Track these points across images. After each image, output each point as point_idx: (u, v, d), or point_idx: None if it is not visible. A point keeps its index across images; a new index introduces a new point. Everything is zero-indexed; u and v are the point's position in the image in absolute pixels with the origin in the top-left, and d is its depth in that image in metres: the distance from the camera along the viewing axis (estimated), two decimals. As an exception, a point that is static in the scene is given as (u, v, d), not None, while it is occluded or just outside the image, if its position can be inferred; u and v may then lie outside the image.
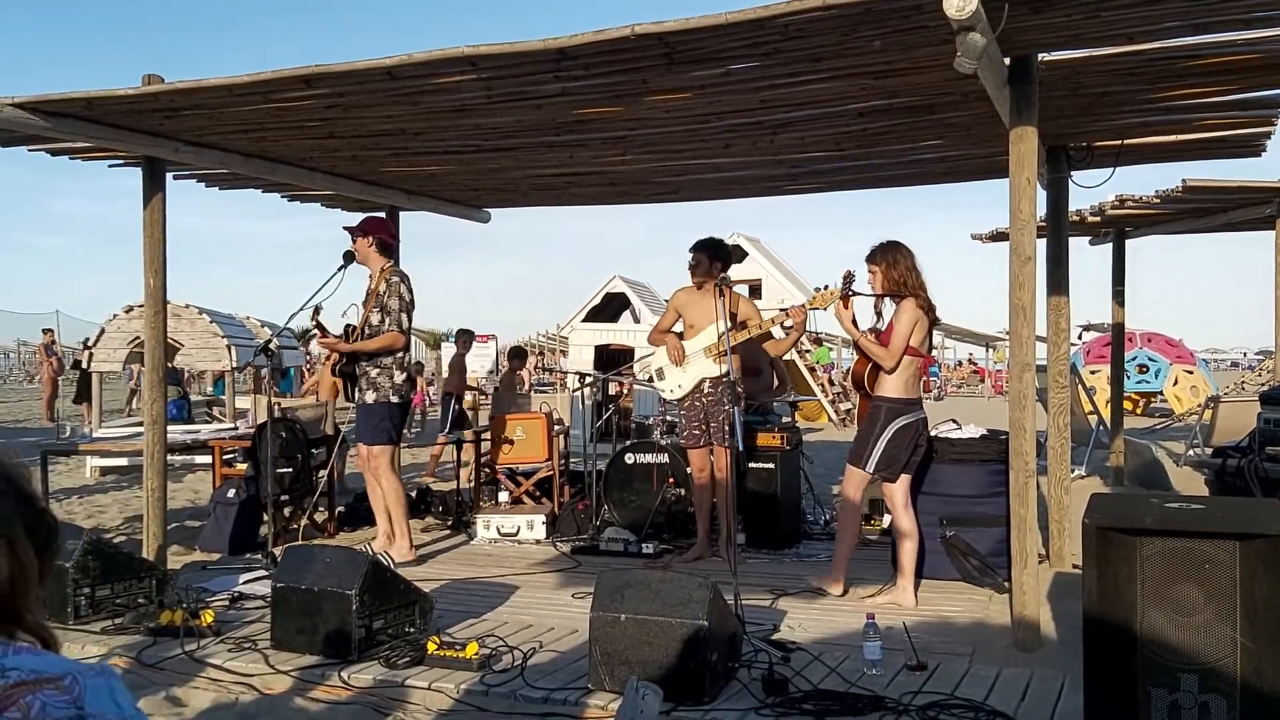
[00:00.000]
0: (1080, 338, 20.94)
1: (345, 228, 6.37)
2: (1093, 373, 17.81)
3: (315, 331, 6.41)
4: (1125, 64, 4.68)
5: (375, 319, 6.21)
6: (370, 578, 4.33)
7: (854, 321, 5.24)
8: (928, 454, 5.39)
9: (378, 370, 6.19)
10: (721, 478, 6.11)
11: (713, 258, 6.18)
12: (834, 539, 6.84)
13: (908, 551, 5.18)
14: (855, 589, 5.41)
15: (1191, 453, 8.98)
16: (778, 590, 5.43)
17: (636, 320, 20.44)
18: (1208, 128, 5.87)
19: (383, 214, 7.59)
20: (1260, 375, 21.48)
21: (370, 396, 6.20)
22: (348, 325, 6.36)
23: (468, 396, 11.78)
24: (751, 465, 6.50)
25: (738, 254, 24.75)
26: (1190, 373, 20.24)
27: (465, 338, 12.39)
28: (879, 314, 5.30)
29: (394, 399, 6.22)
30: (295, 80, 4.75)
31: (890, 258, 5.13)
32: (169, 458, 6.48)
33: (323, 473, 7.64)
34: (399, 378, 6.24)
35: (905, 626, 4.54)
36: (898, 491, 5.20)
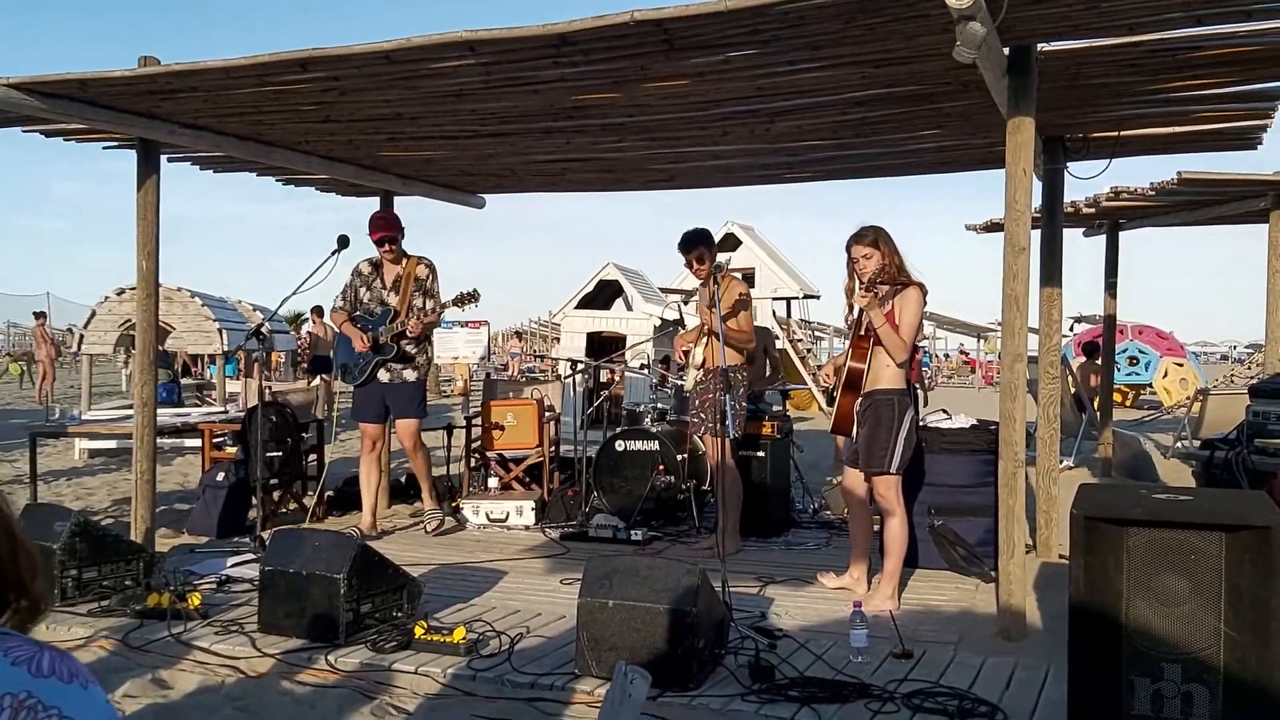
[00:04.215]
0: (1071, 329, 21.00)
1: (383, 235, 6.54)
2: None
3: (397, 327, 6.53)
4: (1125, 55, 4.67)
5: (419, 302, 6.57)
6: (358, 562, 4.33)
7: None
8: (917, 446, 5.36)
9: (416, 350, 6.61)
10: (712, 465, 6.15)
11: (710, 247, 6.13)
12: (823, 528, 6.90)
13: (895, 552, 4.95)
14: (839, 577, 5.42)
15: (1180, 445, 9.01)
16: (766, 578, 5.44)
17: (629, 307, 20.44)
18: (1204, 120, 5.87)
19: (388, 208, 7.86)
20: (1249, 368, 21.58)
21: (411, 375, 6.62)
22: (392, 311, 6.55)
23: (459, 382, 11.79)
24: (741, 453, 6.50)
25: (731, 242, 24.79)
26: (1180, 365, 20.34)
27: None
28: (865, 291, 4.90)
29: (426, 375, 6.84)
30: (292, 63, 4.72)
31: (891, 243, 4.92)
32: (158, 441, 6.46)
33: (312, 457, 7.64)
34: (428, 355, 6.83)
35: (892, 615, 4.56)
36: (894, 485, 4.93)
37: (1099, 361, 11.27)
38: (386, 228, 6.59)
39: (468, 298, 6.64)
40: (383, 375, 6.57)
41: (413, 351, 6.59)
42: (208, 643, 4.29)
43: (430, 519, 6.80)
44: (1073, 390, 10.85)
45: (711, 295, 5.77)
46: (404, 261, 6.62)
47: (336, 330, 6.85)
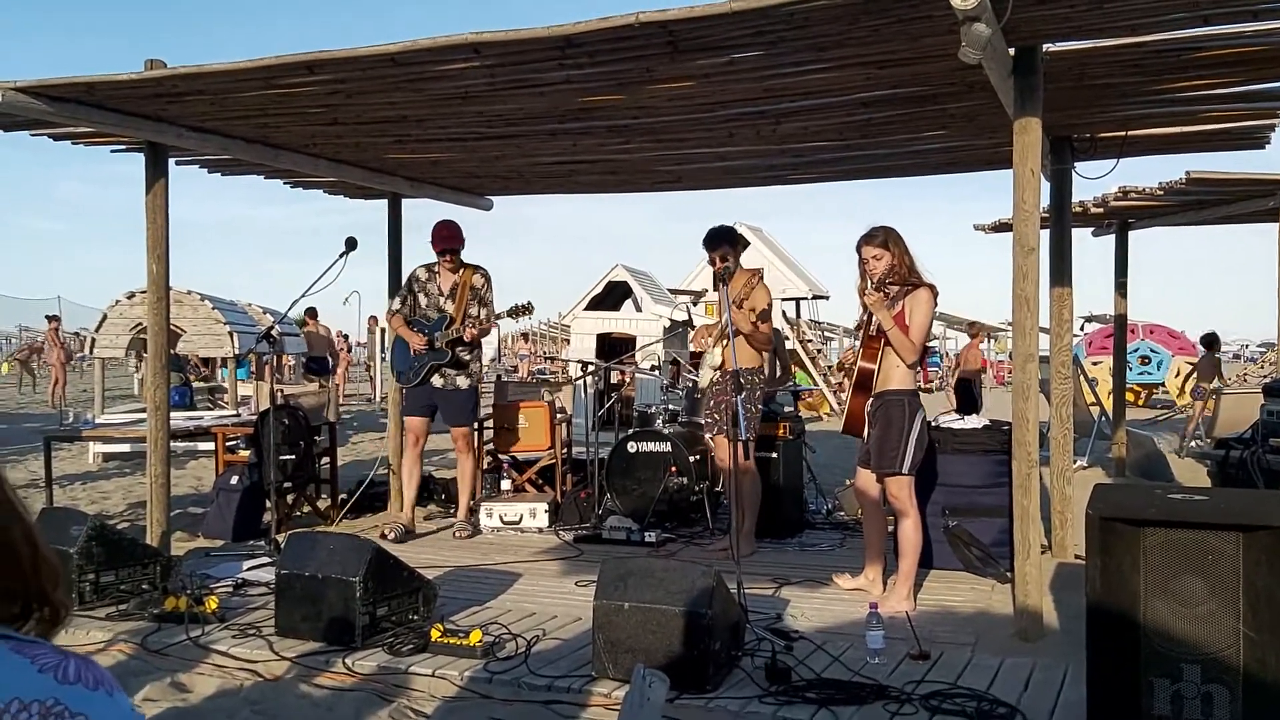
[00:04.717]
0: (1082, 329, 20.97)
1: (445, 247, 6.68)
2: (1095, 364, 17.82)
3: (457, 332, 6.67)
4: (1130, 55, 4.67)
5: (474, 310, 6.72)
6: (374, 565, 4.34)
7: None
8: (929, 447, 5.33)
9: (470, 356, 6.77)
10: (722, 467, 6.17)
11: (735, 245, 6.14)
12: (837, 529, 6.90)
13: (909, 553, 4.94)
14: (855, 578, 5.42)
15: (1193, 444, 8.98)
16: (781, 579, 5.44)
17: (638, 309, 20.44)
18: (1212, 120, 5.85)
19: (391, 215, 8.02)
20: (1262, 367, 21.51)
21: (464, 382, 6.76)
22: (448, 318, 6.69)
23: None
24: (755, 455, 6.49)
25: (740, 243, 24.76)
26: (1192, 364, 20.24)
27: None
28: (874, 291, 4.88)
29: (479, 382, 7.00)
30: (299, 66, 4.74)
31: (901, 243, 4.91)
32: (172, 444, 6.49)
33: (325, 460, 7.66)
34: (480, 362, 7.05)
35: (908, 616, 4.55)
36: (906, 486, 4.91)
37: (1218, 354, 11.17)
38: (450, 240, 6.70)
39: (521, 310, 6.71)
40: (436, 380, 6.70)
41: (466, 358, 6.73)
42: (225, 646, 4.31)
43: (461, 529, 6.86)
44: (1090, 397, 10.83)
45: (737, 297, 5.80)
46: (461, 270, 6.74)
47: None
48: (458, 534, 6.79)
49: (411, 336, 6.70)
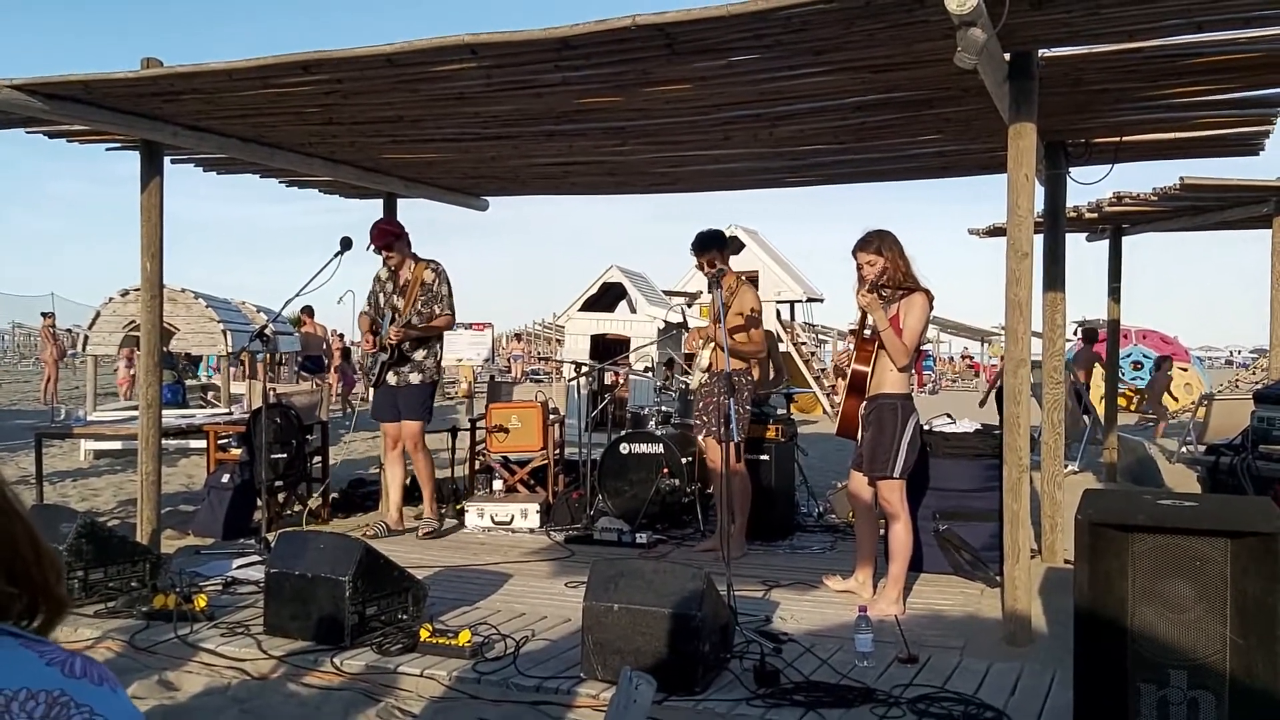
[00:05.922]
0: (1075, 334, 21.01)
1: (378, 246, 6.68)
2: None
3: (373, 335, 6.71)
4: (1125, 61, 4.68)
5: (424, 305, 6.67)
6: (363, 564, 4.33)
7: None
8: (921, 450, 5.35)
9: (424, 353, 6.72)
10: (713, 468, 6.18)
11: (723, 250, 6.15)
12: (828, 532, 6.90)
13: (899, 556, 4.92)
14: (845, 580, 5.43)
15: (1184, 450, 9.00)
16: (771, 582, 5.44)
17: (633, 310, 20.44)
18: (1206, 126, 5.87)
19: (385, 214, 7.89)
20: (1254, 373, 21.58)
21: (416, 378, 6.70)
22: (393, 316, 6.67)
23: (463, 384, 11.80)
24: (746, 457, 6.50)
25: (735, 245, 24.75)
26: (1184, 370, 20.31)
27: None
28: (867, 292, 4.88)
29: (435, 379, 6.91)
30: (295, 66, 4.74)
31: (895, 247, 4.91)
32: (163, 442, 6.48)
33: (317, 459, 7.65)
34: (436, 358, 6.87)
35: (897, 619, 4.56)
36: (897, 490, 4.91)
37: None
38: (378, 236, 6.71)
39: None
40: (391, 378, 6.71)
41: (419, 357, 6.69)
42: (214, 644, 4.30)
43: (425, 525, 6.85)
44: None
45: (717, 310, 5.78)
46: (414, 266, 6.74)
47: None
48: (420, 530, 6.79)
49: (365, 337, 6.80)
